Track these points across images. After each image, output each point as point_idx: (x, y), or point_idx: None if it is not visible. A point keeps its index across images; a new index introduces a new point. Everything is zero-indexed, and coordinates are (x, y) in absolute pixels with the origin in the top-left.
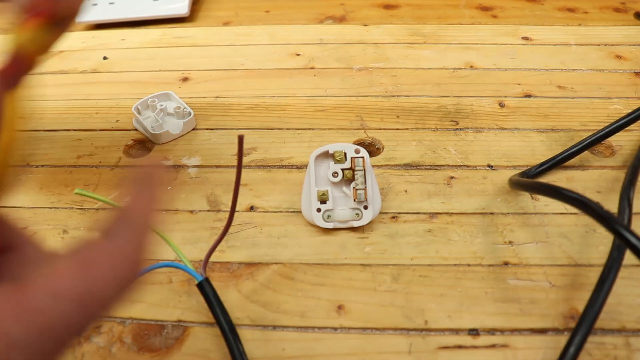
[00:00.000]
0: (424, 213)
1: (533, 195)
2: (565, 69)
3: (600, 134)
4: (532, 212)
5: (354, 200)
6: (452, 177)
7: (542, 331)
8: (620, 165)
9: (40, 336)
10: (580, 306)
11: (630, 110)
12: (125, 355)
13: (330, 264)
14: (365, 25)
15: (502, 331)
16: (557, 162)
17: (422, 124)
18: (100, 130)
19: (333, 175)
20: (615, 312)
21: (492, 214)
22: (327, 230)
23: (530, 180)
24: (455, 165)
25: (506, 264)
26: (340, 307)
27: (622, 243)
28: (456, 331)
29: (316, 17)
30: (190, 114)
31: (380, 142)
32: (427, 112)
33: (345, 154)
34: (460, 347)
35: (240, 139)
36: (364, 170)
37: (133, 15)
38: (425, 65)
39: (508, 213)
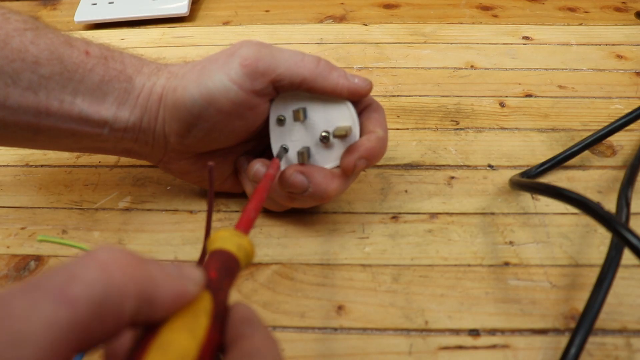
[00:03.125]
0: (424, 213)
1: (534, 195)
2: (566, 69)
3: (601, 133)
4: (532, 212)
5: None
6: (452, 177)
7: (542, 331)
8: (621, 165)
9: None
10: (581, 306)
11: (630, 110)
12: None
13: (330, 264)
14: (365, 24)
15: (502, 331)
16: (557, 162)
17: (423, 124)
18: None
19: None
20: (616, 312)
21: (492, 214)
22: (327, 230)
23: (530, 181)
24: (455, 165)
25: (507, 264)
26: (340, 308)
27: (621, 242)
28: (456, 331)
29: (316, 17)
30: None
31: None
32: (428, 111)
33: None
34: (460, 347)
35: (211, 169)
36: None
37: (133, 15)
38: (425, 65)
39: (508, 213)
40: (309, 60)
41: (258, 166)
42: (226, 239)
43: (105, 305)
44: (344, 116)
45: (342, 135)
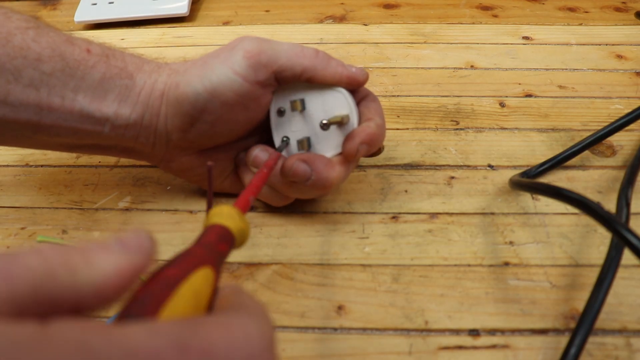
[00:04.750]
0: (424, 213)
1: (534, 195)
2: (565, 69)
3: (601, 133)
4: (532, 212)
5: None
6: (452, 177)
7: (542, 331)
8: (621, 165)
9: None
10: (581, 306)
11: (630, 110)
12: None
13: (330, 264)
14: (365, 24)
15: (502, 331)
16: (557, 162)
17: (423, 124)
18: None
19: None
20: (616, 312)
21: (492, 214)
22: (327, 230)
23: (530, 181)
24: (455, 165)
25: (507, 264)
26: (340, 308)
27: (621, 243)
28: (456, 331)
29: (316, 17)
30: None
31: (381, 145)
32: (428, 111)
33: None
34: (460, 347)
35: (210, 168)
36: None
37: (133, 15)
38: (425, 65)
39: (508, 213)
40: (308, 51)
41: (257, 151)
42: (224, 215)
43: (42, 291)
44: (341, 104)
45: (341, 121)
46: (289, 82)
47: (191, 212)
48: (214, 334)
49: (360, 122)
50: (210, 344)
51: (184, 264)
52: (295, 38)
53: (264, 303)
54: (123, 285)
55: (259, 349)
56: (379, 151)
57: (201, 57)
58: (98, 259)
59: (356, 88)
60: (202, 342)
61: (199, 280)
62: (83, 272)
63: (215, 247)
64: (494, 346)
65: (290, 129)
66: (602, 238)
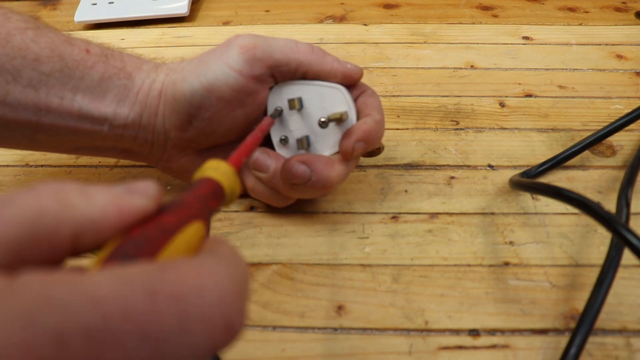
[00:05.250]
0: (424, 213)
1: (534, 195)
2: (566, 69)
3: (601, 133)
4: (532, 212)
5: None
6: (452, 177)
7: (542, 331)
8: (621, 165)
9: None
10: (581, 306)
11: (630, 110)
12: None
13: (330, 264)
14: (365, 24)
15: (502, 331)
16: (557, 162)
17: (423, 124)
18: None
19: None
20: (616, 312)
21: (492, 214)
22: (327, 230)
23: (530, 181)
24: (455, 165)
25: (507, 264)
26: (340, 308)
27: (621, 242)
28: (456, 331)
29: (316, 17)
30: None
31: (380, 142)
32: (428, 111)
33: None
34: (460, 347)
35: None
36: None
37: (133, 15)
38: (425, 65)
39: (508, 213)
40: (303, 46)
41: (258, 154)
42: (220, 171)
43: (38, 228)
44: (339, 101)
45: (339, 119)
46: (285, 78)
47: None
48: (184, 278)
49: (358, 118)
50: (179, 288)
51: (180, 214)
52: (295, 38)
53: (239, 251)
54: (122, 223)
55: (229, 292)
56: (378, 151)
57: (198, 56)
58: (97, 196)
59: (351, 84)
60: (171, 286)
61: (191, 233)
62: (80, 207)
63: (208, 202)
64: (494, 346)
65: (288, 128)
66: (602, 238)
